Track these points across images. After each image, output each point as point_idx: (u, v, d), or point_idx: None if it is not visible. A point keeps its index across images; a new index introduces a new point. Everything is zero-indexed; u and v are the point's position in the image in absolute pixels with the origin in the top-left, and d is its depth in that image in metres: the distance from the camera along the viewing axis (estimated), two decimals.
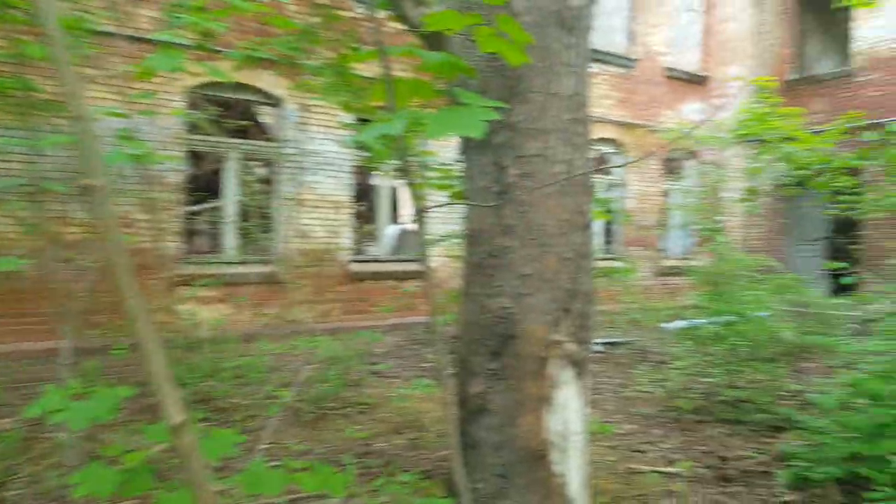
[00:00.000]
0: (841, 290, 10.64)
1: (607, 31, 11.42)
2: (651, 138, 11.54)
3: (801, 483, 3.44)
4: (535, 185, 2.85)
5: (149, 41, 6.83)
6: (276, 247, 8.40)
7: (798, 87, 12.66)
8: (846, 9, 9.57)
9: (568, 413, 2.89)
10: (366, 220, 10.71)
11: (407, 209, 12.23)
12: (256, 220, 8.08)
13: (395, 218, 11.88)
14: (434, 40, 3.11)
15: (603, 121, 11.10)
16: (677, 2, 13.02)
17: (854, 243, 10.71)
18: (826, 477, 3.21)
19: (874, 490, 2.79)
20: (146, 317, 1.00)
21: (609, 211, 7.86)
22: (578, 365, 2.91)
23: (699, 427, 4.75)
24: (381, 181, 9.62)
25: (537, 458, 2.80)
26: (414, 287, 8.83)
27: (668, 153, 11.85)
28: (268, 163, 9.00)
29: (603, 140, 11.35)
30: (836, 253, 11.20)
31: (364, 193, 10.88)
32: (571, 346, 2.88)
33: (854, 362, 4.70)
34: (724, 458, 4.02)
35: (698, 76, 12.91)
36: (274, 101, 8.42)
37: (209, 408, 4.83)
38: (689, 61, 13.10)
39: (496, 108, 1.55)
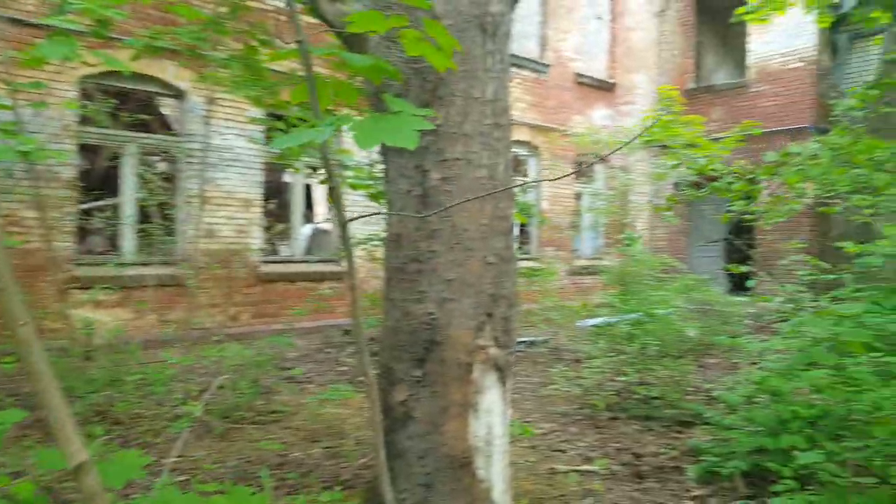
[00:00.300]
0: (738, 288, 11.34)
1: (520, 37, 11.62)
2: (563, 141, 11.84)
3: (709, 477, 3.59)
4: (459, 190, 2.82)
5: (37, 26, 6.30)
6: (180, 247, 7.99)
7: (697, 95, 13.37)
8: (742, 23, 10.15)
9: (492, 417, 2.88)
10: (277, 219, 10.37)
11: (321, 207, 11.97)
12: (158, 219, 7.65)
13: (308, 217, 11.60)
14: (351, 38, 3.02)
15: (517, 123, 11.28)
16: (586, 10, 13.44)
17: (750, 245, 11.43)
18: (733, 471, 3.37)
19: (778, 482, 2.94)
20: (39, 347, 0.87)
21: (527, 213, 7.99)
22: (502, 369, 2.90)
23: (613, 424, 4.88)
24: (294, 178, 9.35)
25: (462, 464, 2.77)
26: (329, 289, 8.64)
27: (579, 156, 12.20)
28: (170, 158, 8.54)
29: (517, 142, 11.53)
30: (734, 254, 11.91)
31: (275, 191, 10.53)
32: (495, 351, 2.87)
33: (756, 360, 4.98)
34: (637, 455, 4.14)
35: (606, 82, 13.38)
36: (177, 94, 8.00)
37: (109, 421, 4.51)
38: (598, 68, 13.54)
39: (425, 117, 1.49)
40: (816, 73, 11.55)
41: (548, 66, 12.27)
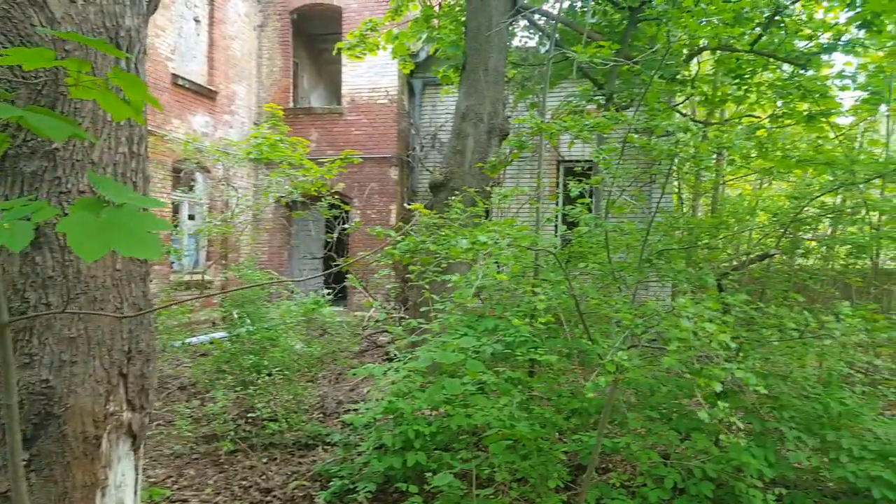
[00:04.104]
0: (336, 299, 12.13)
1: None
2: (161, 147, 10.96)
3: (337, 501, 3.77)
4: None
5: None
6: None
7: (297, 115, 13.85)
8: (338, 53, 10.95)
9: (123, 492, 2.52)
10: None
11: None
12: None
13: None
14: None
15: None
16: (183, 9, 12.73)
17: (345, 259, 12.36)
18: (364, 492, 3.61)
19: (409, 500, 3.27)
20: None
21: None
22: (136, 435, 2.55)
23: (234, 458, 4.72)
24: None
25: None
26: None
27: (178, 164, 11.45)
28: None
29: None
30: (332, 267, 12.72)
31: None
32: (129, 415, 2.51)
33: (371, 379, 5.38)
34: (266, 490, 4.10)
35: (206, 89, 12.87)
36: None
37: None
38: (196, 72, 12.93)
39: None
40: (398, 111, 13.18)
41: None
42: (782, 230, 4.71)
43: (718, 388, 2.46)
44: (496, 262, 4.02)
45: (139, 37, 2.69)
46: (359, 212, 13.03)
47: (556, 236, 4.38)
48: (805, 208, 4.50)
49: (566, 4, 9.29)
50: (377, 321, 8.77)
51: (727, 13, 5.57)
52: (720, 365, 2.50)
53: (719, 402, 2.52)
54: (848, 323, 3.06)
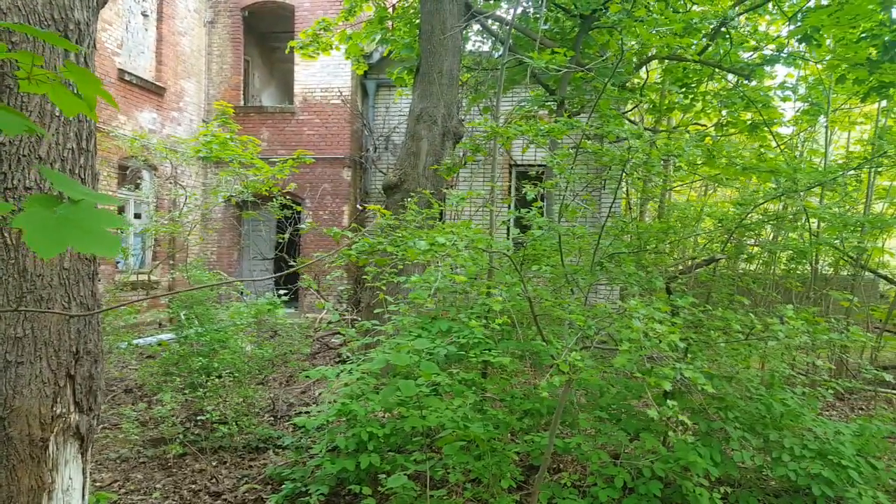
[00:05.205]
0: (287, 301, 11.95)
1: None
2: (107, 144, 10.62)
3: None
4: None
5: None
6: None
7: (247, 113, 13.61)
8: (290, 52, 10.82)
9: (71, 496, 2.45)
10: None
11: None
12: None
13: None
14: None
15: None
16: (130, 3, 12.37)
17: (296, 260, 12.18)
18: (317, 495, 3.58)
19: (362, 502, 3.26)
20: None
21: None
22: (84, 437, 2.49)
23: (184, 462, 4.62)
24: None
25: None
26: None
27: (124, 161, 11.12)
28: None
29: None
30: (283, 268, 12.53)
31: None
32: (77, 417, 2.44)
33: (325, 382, 5.34)
34: (216, 494, 4.03)
35: (154, 85, 12.53)
36: None
37: None
38: (144, 68, 12.58)
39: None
40: (352, 111, 13.10)
41: None
42: (727, 235, 4.89)
43: (668, 387, 2.55)
44: (452, 264, 4.06)
45: (89, 30, 2.62)
46: (311, 212, 12.89)
47: (508, 239, 4.45)
48: (749, 214, 4.68)
49: (519, 10, 9.42)
50: (329, 323, 8.70)
51: (678, 24, 5.75)
52: (670, 365, 2.58)
53: (668, 402, 2.61)
54: (791, 325, 3.20)
